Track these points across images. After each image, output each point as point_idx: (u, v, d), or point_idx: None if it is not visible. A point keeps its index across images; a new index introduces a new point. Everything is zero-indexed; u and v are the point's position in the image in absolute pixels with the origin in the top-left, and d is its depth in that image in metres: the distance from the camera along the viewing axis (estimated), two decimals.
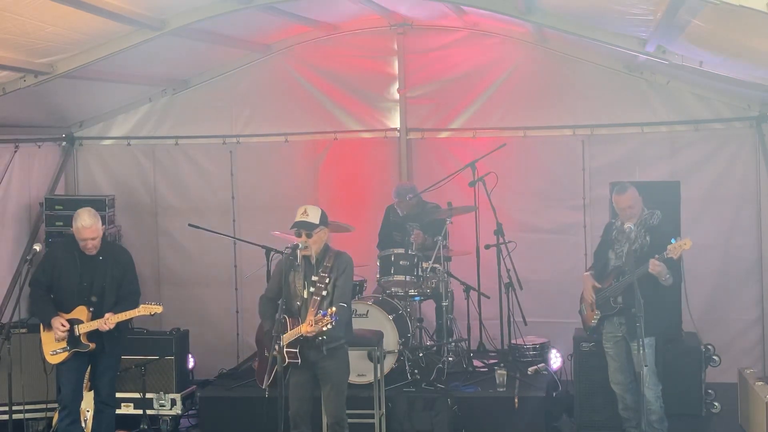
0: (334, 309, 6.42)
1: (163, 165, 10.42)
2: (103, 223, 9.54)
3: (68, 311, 7.23)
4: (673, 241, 7.05)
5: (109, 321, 7.17)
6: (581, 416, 8.17)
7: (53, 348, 7.24)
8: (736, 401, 8.25)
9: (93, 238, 7.28)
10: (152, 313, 7.33)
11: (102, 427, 7.61)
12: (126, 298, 7.36)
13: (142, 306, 7.31)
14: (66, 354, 7.23)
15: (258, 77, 10.27)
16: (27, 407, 7.93)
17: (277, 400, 6.43)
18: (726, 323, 9.41)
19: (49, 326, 7.22)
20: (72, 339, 7.21)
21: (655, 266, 7.05)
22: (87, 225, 7.23)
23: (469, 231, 9.05)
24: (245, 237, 9.50)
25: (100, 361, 7.45)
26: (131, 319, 7.50)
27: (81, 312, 7.24)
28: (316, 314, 6.49)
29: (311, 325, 6.46)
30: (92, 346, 7.25)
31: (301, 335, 6.56)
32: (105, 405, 7.59)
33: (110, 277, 7.32)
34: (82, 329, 7.21)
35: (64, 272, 7.30)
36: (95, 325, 7.18)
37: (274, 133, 10.23)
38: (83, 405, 8.10)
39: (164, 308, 7.20)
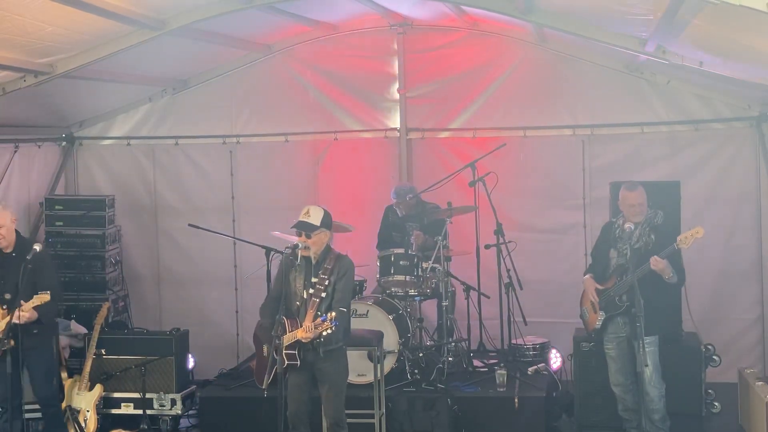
0: (334, 314, 6.40)
1: (163, 165, 10.42)
2: (104, 223, 9.66)
3: (16, 307, 7.18)
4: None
5: (22, 309, 7.13)
6: (581, 416, 8.17)
7: None
8: (736, 401, 8.25)
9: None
10: (42, 302, 7.21)
11: (50, 428, 7.66)
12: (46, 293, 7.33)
13: (35, 296, 7.22)
14: None
15: (258, 77, 10.27)
16: (27, 407, 7.91)
17: (277, 399, 6.44)
18: (726, 323, 9.41)
19: None
20: None
21: (656, 263, 7.04)
22: None
23: (469, 231, 9.06)
24: (245, 237, 9.50)
25: (28, 361, 7.44)
26: (54, 317, 7.48)
27: None
28: (315, 317, 6.49)
29: (308, 331, 6.45)
30: (11, 342, 7.17)
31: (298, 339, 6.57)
32: (47, 406, 7.63)
33: (22, 273, 7.23)
34: None
35: None
36: (9, 319, 7.13)
37: (274, 133, 10.22)
38: (83, 405, 8.14)
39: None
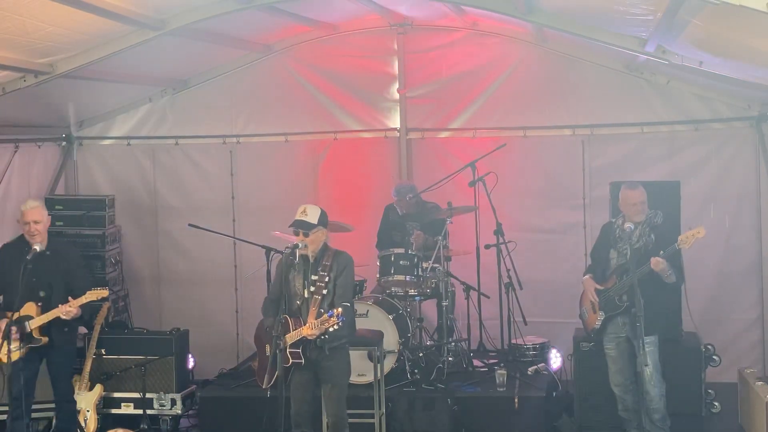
0: (340, 310, 6.42)
1: (163, 165, 10.42)
2: (104, 223, 9.66)
3: (19, 309, 7.17)
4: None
5: (71, 305, 7.17)
6: (581, 416, 8.17)
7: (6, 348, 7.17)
8: (736, 401, 8.26)
9: (36, 222, 7.39)
10: (99, 298, 7.32)
11: (66, 424, 7.69)
12: (83, 291, 7.36)
13: (88, 292, 7.30)
14: (19, 353, 7.19)
15: (258, 77, 10.27)
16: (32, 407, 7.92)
17: (277, 399, 6.44)
18: (726, 323, 9.41)
19: None
20: (24, 335, 7.19)
21: (657, 264, 7.06)
22: (32, 206, 7.43)
23: (469, 231, 9.06)
24: (245, 237, 9.50)
25: (53, 358, 7.50)
26: (75, 321, 7.51)
27: (30, 308, 7.25)
28: (318, 314, 6.50)
29: (313, 328, 6.46)
30: (45, 339, 7.25)
31: (303, 337, 6.57)
32: (66, 402, 7.71)
33: (57, 271, 7.32)
34: (34, 324, 7.21)
35: (14, 271, 7.29)
36: (54, 313, 7.18)
37: (274, 133, 10.22)
38: (83, 405, 8.15)
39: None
